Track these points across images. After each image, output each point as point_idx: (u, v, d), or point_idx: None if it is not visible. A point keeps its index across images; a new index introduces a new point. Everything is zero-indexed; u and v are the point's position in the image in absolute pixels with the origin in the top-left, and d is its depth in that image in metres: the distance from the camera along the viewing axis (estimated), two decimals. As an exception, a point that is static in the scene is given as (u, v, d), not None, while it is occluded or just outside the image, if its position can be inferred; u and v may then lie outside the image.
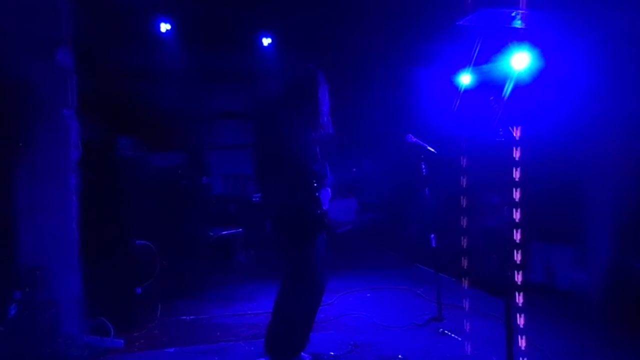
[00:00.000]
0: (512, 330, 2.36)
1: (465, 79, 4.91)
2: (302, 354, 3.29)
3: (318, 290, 3.26)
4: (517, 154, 2.78)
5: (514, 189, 2.54)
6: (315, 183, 3.19)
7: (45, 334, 3.30)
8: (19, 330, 3.22)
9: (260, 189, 3.51)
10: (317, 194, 3.17)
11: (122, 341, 3.69)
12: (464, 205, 3.63)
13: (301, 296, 3.22)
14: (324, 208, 3.15)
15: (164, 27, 6.51)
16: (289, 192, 3.21)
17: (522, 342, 2.43)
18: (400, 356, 3.37)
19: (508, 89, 2.79)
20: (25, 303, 3.28)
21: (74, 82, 3.71)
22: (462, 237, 3.43)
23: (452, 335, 3.79)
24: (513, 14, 3.22)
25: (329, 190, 3.31)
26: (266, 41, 7.10)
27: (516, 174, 2.69)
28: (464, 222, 3.54)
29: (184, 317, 4.44)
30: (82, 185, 3.72)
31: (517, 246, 2.48)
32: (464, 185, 3.65)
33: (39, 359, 3.22)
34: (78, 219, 3.69)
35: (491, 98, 2.53)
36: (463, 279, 3.54)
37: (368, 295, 5.05)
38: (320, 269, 3.24)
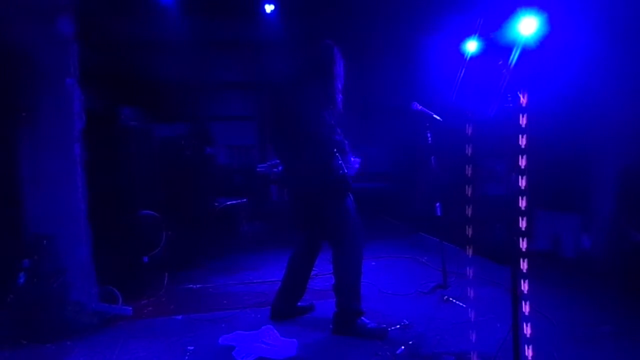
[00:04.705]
0: (518, 297, 2.37)
1: (472, 45, 4.82)
2: (363, 318, 3.31)
3: (358, 250, 3.32)
4: (523, 121, 2.74)
5: (520, 157, 2.52)
6: (336, 151, 3.23)
7: (54, 302, 3.35)
8: (28, 297, 3.26)
9: (281, 163, 3.54)
10: (338, 159, 3.22)
11: (131, 308, 3.73)
12: (470, 174, 3.60)
13: (347, 260, 3.29)
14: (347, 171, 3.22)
15: (166, -5, 6.41)
16: (312, 163, 3.24)
17: (526, 308, 2.44)
18: (405, 321, 3.40)
19: (515, 55, 2.74)
20: (33, 271, 3.31)
21: (76, 51, 3.66)
22: (467, 206, 3.42)
23: (457, 302, 3.82)
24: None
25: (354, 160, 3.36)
26: (269, 8, 6.97)
27: (522, 141, 2.65)
28: (469, 190, 3.51)
29: (191, 286, 4.49)
30: (86, 155, 3.71)
31: (523, 214, 2.47)
32: (470, 154, 3.61)
33: (49, 326, 3.27)
34: (83, 188, 3.69)
35: (500, 62, 2.49)
36: (468, 247, 3.54)
37: (373, 263, 5.08)
38: (355, 228, 3.31)
